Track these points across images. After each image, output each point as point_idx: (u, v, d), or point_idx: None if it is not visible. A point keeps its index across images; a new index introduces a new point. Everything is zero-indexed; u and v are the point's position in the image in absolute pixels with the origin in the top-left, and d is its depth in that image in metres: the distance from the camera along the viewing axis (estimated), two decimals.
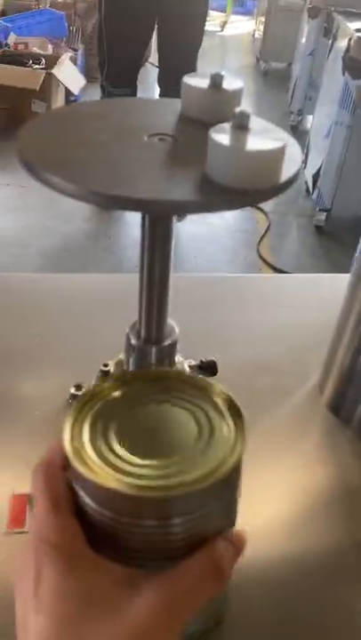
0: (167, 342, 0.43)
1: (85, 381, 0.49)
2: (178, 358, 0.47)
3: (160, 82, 2.30)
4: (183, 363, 0.48)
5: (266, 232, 2.43)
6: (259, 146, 0.30)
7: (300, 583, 0.40)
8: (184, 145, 0.35)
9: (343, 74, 2.14)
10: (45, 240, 2.26)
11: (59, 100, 3.23)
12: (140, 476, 0.28)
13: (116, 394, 0.32)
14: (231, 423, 0.30)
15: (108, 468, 0.28)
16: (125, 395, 0.32)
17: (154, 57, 2.40)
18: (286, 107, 3.57)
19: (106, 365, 0.49)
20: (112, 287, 0.63)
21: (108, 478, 0.27)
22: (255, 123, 0.32)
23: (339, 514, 0.44)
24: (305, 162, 2.75)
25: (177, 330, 0.44)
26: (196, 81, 0.37)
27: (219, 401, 0.32)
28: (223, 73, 0.37)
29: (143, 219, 0.37)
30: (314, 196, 2.53)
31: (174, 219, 0.39)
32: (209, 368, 0.49)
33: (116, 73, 2.17)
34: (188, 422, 0.31)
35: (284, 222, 2.55)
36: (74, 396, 0.48)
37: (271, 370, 0.55)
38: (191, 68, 2.26)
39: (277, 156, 0.30)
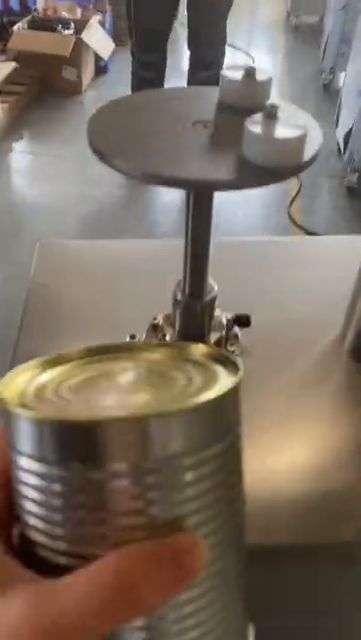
0: (208, 297, 0.51)
1: (138, 334, 0.57)
2: (217, 312, 0.55)
3: (190, 44, 2.31)
4: (222, 315, 0.56)
5: (297, 194, 2.45)
6: (285, 134, 0.36)
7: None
8: (223, 131, 0.42)
9: None
10: (81, 207, 2.33)
11: (89, 66, 3.25)
12: (101, 407, 0.22)
13: (75, 362, 0.27)
14: (216, 369, 0.25)
15: (43, 403, 0.22)
16: (85, 363, 0.27)
17: (185, 17, 2.39)
18: (318, 64, 3.50)
19: (155, 319, 0.57)
20: (156, 252, 0.71)
21: (41, 409, 0.22)
22: (284, 109, 0.38)
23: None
24: (336, 121, 2.73)
25: (216, 287, 0.52)
26: (232, 73, 0.44)
27: (205, 357, 0.26)
28: (255, 65, 0.43)
29: (188, 194, 0.45)
30: (345, 156, 2.52)
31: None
32: (243, 321, 0.57)
33: (144, 38, 2.19)
34: (165, 378, 0.24)
35: (316, 184, 2.56)
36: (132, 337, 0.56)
37: (297, 324, 0.62)
38: (221, 27, 2.25)
39: (300, 141, 0.37)
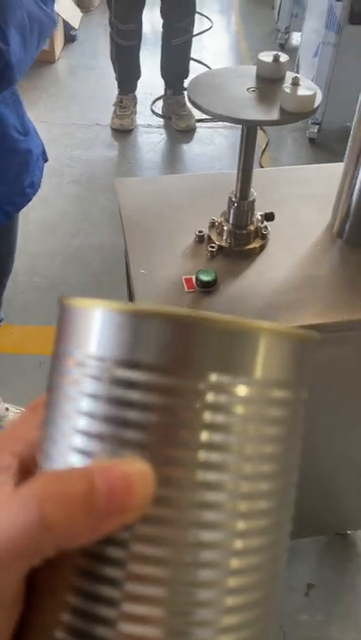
0: (251, 199, 0.83)
1: (204, 229, 0.88)
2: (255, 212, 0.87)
3: (163, 13, 2.54)
4: (256, 213, 0.87)
5: (265, 147, 2.75)
6: (305, 92, 0.67)
7: None
8: (265, 92, 0.72)
9: None
10: (74, 168, 2.58)
11: (59, 36, 3.41)
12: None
13: None
14: None
15: None
16: None
17: None
18: (273, 24, 3.75)
19: (213, 219, 0.88)
20: (200, 181, 1.02)
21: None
22: (302, 80, 0.69)
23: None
24: None
25: (255, 193, 0.83)
26: (265, 57, 0.74)
27: None
28: (280, 53, 0.73)
29: (242, 130, 0.75)
30: (356, 110, 2.83)
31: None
32: (270, 217, 0.88)
33: (123, 10, 2.42)
34: None
35: (281, 137, 2.86)
36: (200, 237, 0.87)
37: (299, 221, 0.94)
38: None
39: (313, 97, 0.68)
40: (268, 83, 0.73)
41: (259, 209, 0.88)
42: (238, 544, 0.19)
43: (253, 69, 0.76)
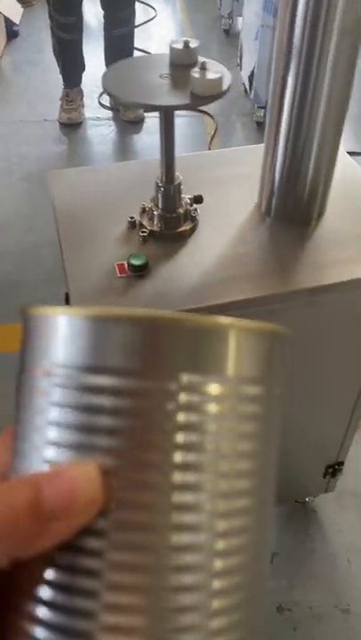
0: (176, 182, 0.85)
1: (135, 215, 0.90)
2: (182, 196, 0.89)
3: (103, 4, 2.54)
4: (185, 197, 0.90)
5: (214, 133, 2.78)
6: (212, 76, 0.70)
7: None
8: (177, 78, 0.75)
9: None
10: (24, 166, 2.57)
11: (1, 32, 3.37)
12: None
13: None
14: None
15: None
16: None
17: None
18: (216, 10, 3.77)
19: (144, 204, 0.90)
20: (131, 169, 1.04)
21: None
22: (210, 64, 0.72)
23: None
24: (240, 64, 3.05)
25: (180, 177, 0.86)
26: (177, 44, 0.77)
27: None
28: (189, 39, 0.76)
29: (161, 116, 0.78)
30: (251, 95, 2.86)
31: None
32: (199, 199, 0.91)
33: (61, 2, 2.40)
34: None
35: (229, 122, 2.90)
36: (132, 223, 0.89)
37: (230, 202, 0.97)
38: None
39: (220, 80, 0.71)
40: (180, 69, 0.75)
41: (188, 192, 0.91)
42: (220, 544, 0.19)
43: (167, 57, 0.78)
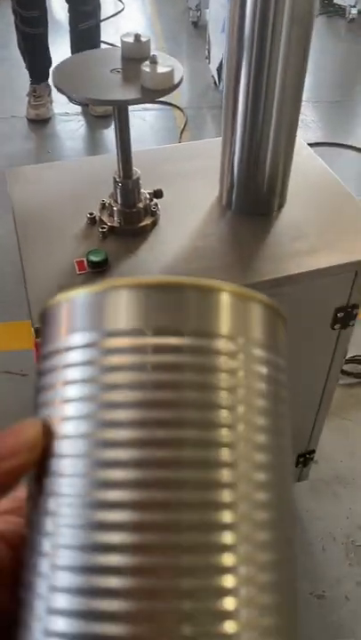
0: (135, 177, 0.85)
1: (94, 212, 0.90)
2: (142, 190, 0.89)
3: None
4: (145, 192, 0.89)
5: (184, 126, 2.77)
6: (163, 70, 0.70)
7: None
8: (128, 72, 0.74)
9: None
10: None
11: None
12: None
13: None
14: None
15: None
16: None
17: None
18: (185, 2, 3.75)
19: (103, 200, 0.89)
20: (93, 164, 1.03)
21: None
22: (161, 57, 0.71)
23: None
24: (208, 57, 3.04)
25: (139, 172, 0.85)
26: (127, 38, 0.76)
27: None
28: (141, 33, 0.75)
29: (114, 110, 0.77)
30: (221, 87, 2.86)
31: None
32: (159, 193, 0.91)
33: None
34: None
35: (200, 115, 2.89)
36: (91, 219, 0.89)
37: (191, 196, 0.97)
38: None
39: (171, 74, 0.70)
40: (132, 63, 0.74)
41: (148, 187, 0.90)
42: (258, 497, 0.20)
43: (119, 51, 0.77)
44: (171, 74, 0.70)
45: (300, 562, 1.29)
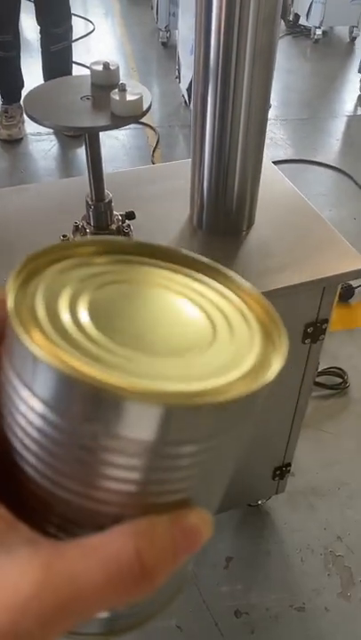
0: (107, 200, 0.86)
1: (67, 233, 0.91)
2: (114, 212, 0.90)
3: (39, 21, 2.53)
4: (117, 214, 0.91)
5: (156, 145, 2.81)
6: (131, 98, 0.72)
7: None
8: (98, 99, 0.76)
9: None
10: None
11: None
12: (123, 369, 0.19)
13: (96, 260, 0.24)
14: (258, 333, 0.23)
15: (70, 345, 0.20)
16: (107, 264, 0.24)
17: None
18: (154, 24, 3.82)
19: (76, 222, 0.91)
20: (63, 188, 1.04)
21: (70, 357, 0.19)
22: (130, 85, 0.74)
23: None
24: (178, 76, 3.10)
25: (110, 194, 0.87)
26: (97, 66, 0.78)
27: (244, 303, 0.24)
28: (108, 61, 0.77)
29: (85, 136, 0.79)
30: (191, 106, 2.91)
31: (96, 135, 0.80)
32: (131, 215, 0.93)
33: None
34: (196, 317, 0.23)
35: (171, 134, 2.93)
36: (65, 240, 0.90)
37: (162, 217, 0.99)
38: (65, 3, 2.49)
39: (139, 101, 0.72)
40: (101, 90, 0.76)
41: (121, 208, 0.92)
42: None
43: (89, 78, 0.80)
44: (140, 101, 0.73)
45: (279, 575, 1.30)
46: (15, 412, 0.21)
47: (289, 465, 1.26)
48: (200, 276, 0.25)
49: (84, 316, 0.21)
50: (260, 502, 1.40)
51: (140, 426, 0.19)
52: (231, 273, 0.25)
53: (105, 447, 0.20)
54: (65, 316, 0.21)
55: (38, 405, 0.20)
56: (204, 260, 0.26)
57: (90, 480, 0.20)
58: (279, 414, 1.13)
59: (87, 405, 0.19)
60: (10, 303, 0.20)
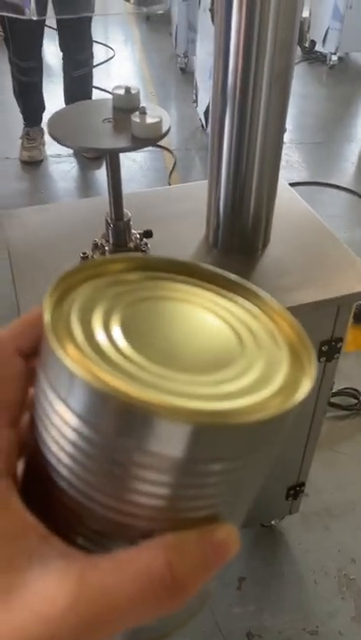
0: (126, 219, 0.89)
1: (87, 251, 0.94)
2: (132, 231, 0.93)
3: (62, 48, 2.62)
4: (135, 232, 0.94)
5: (173, 167, 2.86)
6: (151, 120, 0.75)
7: None
8: (119, 122, 0.79)
9: (213, 22, 2.54)
10: None
11: None
12: (155, 387, 0.20)
13: (128, 277, 0.25)
14: (287, 353, 0.24)
15: (103, 361, 0.20)
16: (138, 281, 0.25)
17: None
18: (172, 50, 3.91)
19: (95, 240, 0.93)
20: (82, 207, 1.07)
21: (103, 372, 0.20)
22: (149, 107, 0.76)
23: None
24: (196, 101, 3.16)
25: (129, 213, 0.90)
26: (119, 90, 0.81)
27: (272, 321, 0.25)
28: (130, 86, 0.81)
29: (106, 157, 0.82)
30: (208, 130, 2.96)
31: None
32: (149, 234, 0.95)
33: (21, 48, 2.47)
34: (226, 335, 0.24)
35: (188, 157, 2.98)
36: (84, 258, 0.93)
37: (180, 235, 1.01)
38: (87, 31, 2.57)
39: (159, 124, 0.75)
40: (122, 113, 0.79)
41: (139, 227, 0.94)
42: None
43: (110, 102, 0.83)
44: (159, 124, 0.75)
45: (293, 597, 1.29)
46: (50, 425, 0.21)
47: (303, 485, 1.26)
48: (229, 293, 0.26)
49: (117, 332, 0.22)
50: (273, 522, 1.39)
51: (170, 443, 0.19)
52: (261, 291, 0.26)
53: (136, 462, 0.20)
54: (99, 333, 0.22)
55: (72, 419, 0.20)
56: (234, 277, 0.27)
57: (121, 494, 0.21)
58: (293, 433, 1.13)
59: (119, 420, 0.19)
60: (46, 318, 0.21)
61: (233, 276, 0.27)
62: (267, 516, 1.36)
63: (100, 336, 0.22)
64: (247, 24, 0.72)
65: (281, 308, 0.26)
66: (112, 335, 0.22)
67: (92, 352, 0.21)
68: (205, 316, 0.25)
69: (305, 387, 0.22)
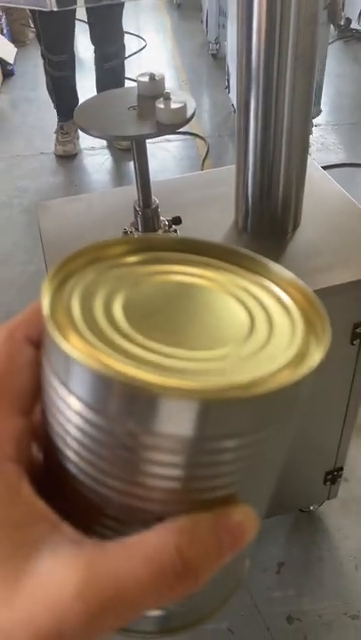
0: (154, 206, 0.89)
1: None
2: (161, 218, 0.93)
3: (93, 41, 2.63)
4: (164, 219, 0.94)
5: (206, 155, 2.84)
6: (175, 106, 0.75)
7: None
8: (144, 109, 0.80)
9: None
10: (23, 199, 2.64)
11: None
12: (160, 367, 0.20)
13: (130, 259, 0.24)
14: (300, 324, 0.23)
15: (105, 344, 0.20)
16: (141, 263, 0.24)
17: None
18: (204, 36, 3.88)
19: (125, 228, 0.95)
20: (115, 195, 1.09)
21: (105, 356, 0.19)
22: (175, 94, 0.76)
23: None
24: (228, 87, 3.13)
25: (157, 200, 0.90)
26: (143, 77, 0.82)
27: (285, 293, 0.24)
28: (155, 72, 0.81)
29: (132, 144, 0.82)
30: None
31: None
32: (177, 220, 0.95)
33: (53, 43, 2.50)
34: (234, 310, 0.23)
35: (221, 143, 2.96)
36: None
37: (208, 222, 1.01)
38: (118, 23, 2.57)
39: (183, 109, 0.75)
40: (148, 100, 0.80)
41: (168, 214, 0.95)
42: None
43: (135, 90, 0.83)
44: (183, 109, 0.75)
45: (333, 582, 1.28)
46: (57, 412, 0.21)
47: (341, 469, 1.24)
48: (237, 268, 0.25)
49: (119, 314, 0.22)
50: (311, 508, 1.38)
51: (177, 422, 0.19)
52: (271, 263, 0.25)
53: (144, 444, 0.20)
54: (101, 316, 0.21)
55: (77, 405, 0.20)
56: (242, 250, 0.25)
57: (132, 478, 0.21)
58: (329, 417, 1.12)
59: (123, 403, 0.19)
60: (45, 307, 0.21)
61: (241, 250, 0.25)
62: (304, 502, 1.36)
63: (102, 319, 0.21)
64: (269, 1, 0.71)
65: (293, 277, 0.25)
66: (115, 317, 0.22)
67: (93, 335, 0.20)
68: (212, 292, 0.24)
69: (317, 355, 0.21)
